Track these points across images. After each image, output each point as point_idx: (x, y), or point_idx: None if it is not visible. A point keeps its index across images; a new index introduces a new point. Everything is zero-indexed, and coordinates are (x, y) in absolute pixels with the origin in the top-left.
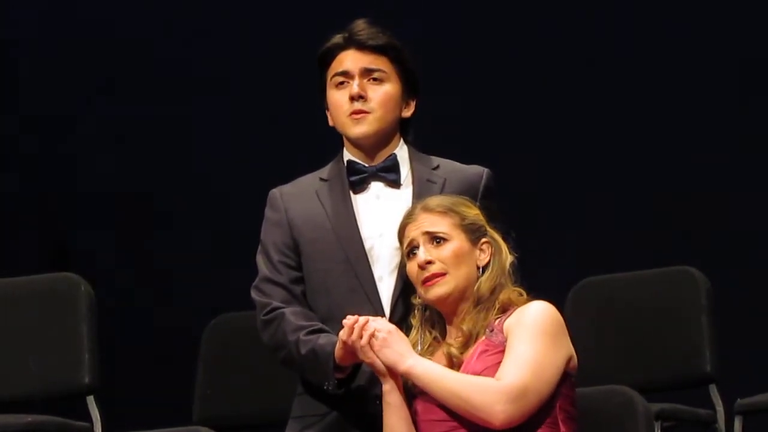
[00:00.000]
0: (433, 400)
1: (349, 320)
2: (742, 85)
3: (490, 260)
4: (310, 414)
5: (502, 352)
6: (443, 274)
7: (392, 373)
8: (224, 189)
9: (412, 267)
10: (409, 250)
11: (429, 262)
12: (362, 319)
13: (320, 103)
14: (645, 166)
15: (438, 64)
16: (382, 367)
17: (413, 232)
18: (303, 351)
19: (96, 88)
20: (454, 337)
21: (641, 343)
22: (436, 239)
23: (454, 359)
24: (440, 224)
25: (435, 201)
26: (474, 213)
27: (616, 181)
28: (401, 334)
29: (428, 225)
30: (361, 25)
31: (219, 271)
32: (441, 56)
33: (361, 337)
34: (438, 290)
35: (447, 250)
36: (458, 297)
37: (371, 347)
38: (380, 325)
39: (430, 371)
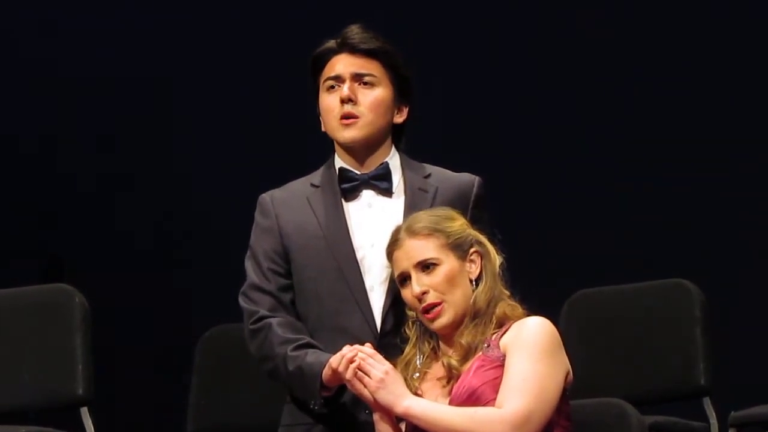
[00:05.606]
0: None
1: (346, 351)
2: (738, 99)
3: (481, 270)
4: (299, 423)
5: (499, 367)
6: (440, 304)
7: (386, 411)
8: (220, 197)
9: (407, 295)
10: (401, 279)
11: (424, 293)
12: (349, 353)
13: (313, 108)
14: (641, 178)
15: (436, 65)
16: (370, 398)
17: (403, 263)
18: (290, 367)
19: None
20: (452, 351)
21: (635, 356)
22: (425, 266)
23: (454, 371)
24: (427, 250)
25: (419, 223)
26: (458, 224)
27: (611, 193)
28: (397, 375)
29: (416, 254)
30: (354, 30)
31: (214, 282)
32: (439, 58)
33: (354, 372)
34: (441, 321)
35: (439, 275)
36: (460, 319)
37: (367, 388)
38: (376, 366)
39: (429, 410)
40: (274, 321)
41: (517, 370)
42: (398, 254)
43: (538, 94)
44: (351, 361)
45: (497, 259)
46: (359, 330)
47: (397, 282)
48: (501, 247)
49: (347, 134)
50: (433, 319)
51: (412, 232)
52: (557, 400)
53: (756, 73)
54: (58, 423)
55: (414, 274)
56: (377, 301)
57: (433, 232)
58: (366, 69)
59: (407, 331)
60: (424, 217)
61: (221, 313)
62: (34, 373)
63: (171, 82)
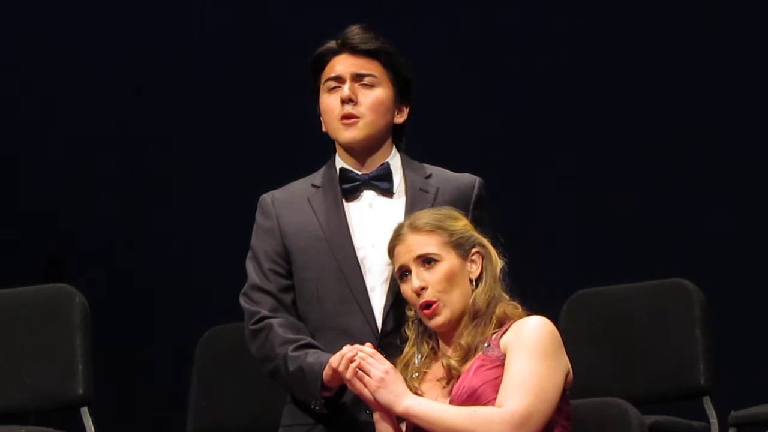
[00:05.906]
0: None
1: (346, 350)
2: (738, 98)
3: (481, 271)
4: (299, 423)
5: (499, 366)
6: (436, 302)
7: (386, 410)
8: (220, 196)
9: (406, 290)
10: (401, 273)
11: (423, 288)
12: (349, 352)
13: (313, 108)
14: (639, 178)
15: (436, 65)
16: (370, 398)
17: (404, 256)
18: (291, 368)
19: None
20: (452, 351)
21: (635, 356)
22: (426, 261)
23: (453, 371)
24: (429, 245)
25: (422, 219)
26: (461, 225)
27: (610, 193)
28: (397, 374)
29: (417, 248)
30: (355, 30)
31: (213, 282)
32: (439, 57)
33: (354, 371)
34: (438, 320)
35: (438, 272)
36: (458, 319)
37: (367, 387)
38: (376, 366)
39: (429, 409)
40: (274, 321)
41: (517, 370)
42: (400, 248)
43: (539, 94)
44: (351, 360)
45: (498, 263)
46: (360, 330)
47: (397, 277)
48: (503, 252)
49: (348, 134)
50: (430, 317)
51: (415, 228)
52: (557, 400)
53: (756, 73)
54: (58, 423)
55: (414, 268)
56: (378, 301)
57: (436, 228)
58: (366, 69)
59: (407, 331)
60: (427, 215)
61: (221, 313)
62: (34, 373)
63: (170, 82)
